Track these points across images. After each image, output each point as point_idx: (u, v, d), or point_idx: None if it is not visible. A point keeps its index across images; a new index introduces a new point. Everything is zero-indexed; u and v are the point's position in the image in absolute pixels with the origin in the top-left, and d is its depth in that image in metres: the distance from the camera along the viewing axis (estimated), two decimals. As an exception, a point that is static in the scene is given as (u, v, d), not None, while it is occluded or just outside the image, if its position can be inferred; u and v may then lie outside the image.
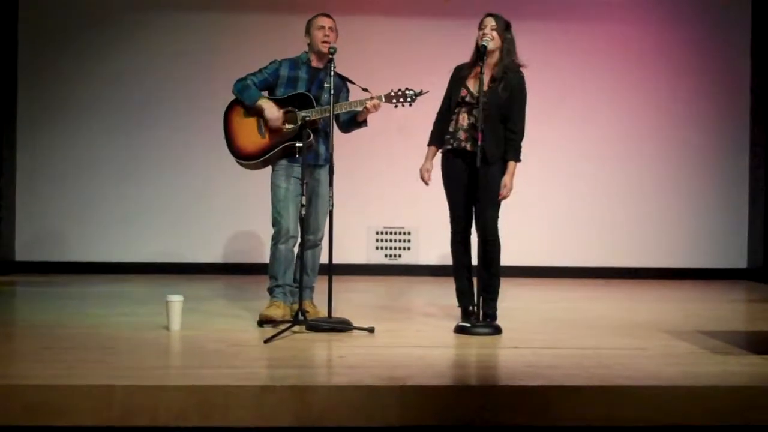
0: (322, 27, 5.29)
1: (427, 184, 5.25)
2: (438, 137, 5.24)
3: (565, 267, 8.25)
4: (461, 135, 5.08)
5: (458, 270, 5.24)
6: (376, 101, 5.20)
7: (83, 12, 8.15)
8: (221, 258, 8.23)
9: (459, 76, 5.18)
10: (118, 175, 8.16)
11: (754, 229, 8.29)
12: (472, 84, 5.08)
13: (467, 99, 5.08)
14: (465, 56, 5.23)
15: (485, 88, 5.04)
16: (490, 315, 5.17)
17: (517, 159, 5.11)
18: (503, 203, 5.13)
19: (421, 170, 5.25)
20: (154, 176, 8.17)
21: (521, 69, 5.12)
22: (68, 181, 8.14)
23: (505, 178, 5.08)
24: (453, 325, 5.06)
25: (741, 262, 8.39)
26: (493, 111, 5.04)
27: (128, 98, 8.15)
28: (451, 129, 5.14)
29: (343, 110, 5.25)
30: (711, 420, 3.58)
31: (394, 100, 5.25)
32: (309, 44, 5.36)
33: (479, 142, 4.90)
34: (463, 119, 5.09)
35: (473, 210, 5.16)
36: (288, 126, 5.23)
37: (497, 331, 4.95)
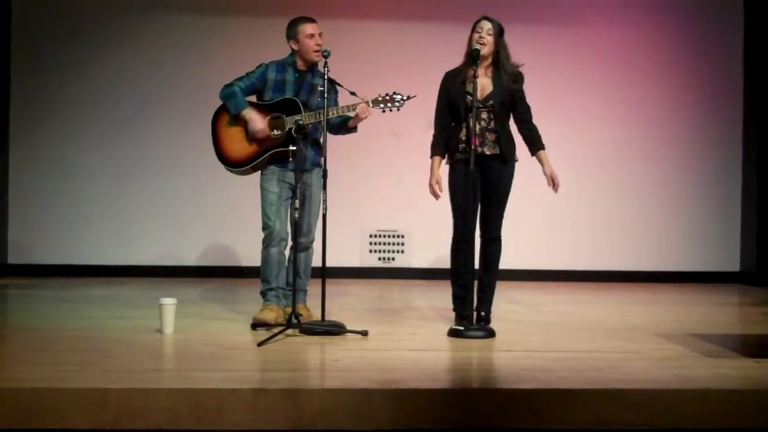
0: (312, 35, 5.21)
1: (438, 197, 5.14)
2: (442, 148, 5.15)
3: (558, 270, 8.25)
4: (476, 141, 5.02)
5: (457, 275, 5.18)
6: (364, 106, 5.15)
7: (76, 15, 8.13)
8: (214, 261, 8.21)
9: (456, 83, 5.11)
10: (110, 178, 8.14)
11: (747, 232, 8.31)
12: (471, 89, 5.01)
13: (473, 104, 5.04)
14: (455, 59, 5.21)
15: (484, 92, 5.04)
16: (485, 317, 5.18)
17: (544, 147, 5.23)
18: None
19: (431, 185, 5.14)
20: (146, 179, 8.16)
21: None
22: (61, 184, 8.12)
23: (549, 170, 5.17)
24: (447, 328, 5.06)
25: (734, 265, 8.40)
26: (501, 111, 5.06)
27: (121, 101, 8.14)
28: (463, 137, 5.08)
29: (334, 116, 5.20)
30: (703, 423, 3.58)
31: (382, 105, 5.20)
32: (296, 50, 5.27)
33: (473, 146, 4.90)
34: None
35: (479, 213, 5.14)
36: (276, 132, 5.21)
37: (491, 334, 4.95)
